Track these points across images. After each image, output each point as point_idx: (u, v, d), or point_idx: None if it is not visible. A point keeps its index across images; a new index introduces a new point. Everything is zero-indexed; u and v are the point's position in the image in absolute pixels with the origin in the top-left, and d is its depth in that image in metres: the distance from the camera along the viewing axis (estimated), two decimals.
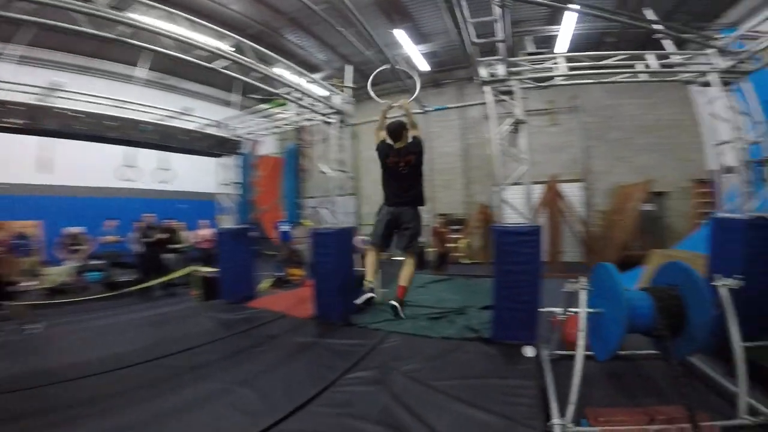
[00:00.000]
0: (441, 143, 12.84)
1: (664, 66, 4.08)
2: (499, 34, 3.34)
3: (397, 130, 4.32)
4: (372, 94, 5.74)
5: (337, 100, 5.62)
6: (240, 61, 4.12)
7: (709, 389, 2.98)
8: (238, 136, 6.86)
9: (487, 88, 4.14)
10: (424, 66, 11.40)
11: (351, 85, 6.56)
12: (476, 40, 3.48)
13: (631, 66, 4.15)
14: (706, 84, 3.94)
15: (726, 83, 3.82)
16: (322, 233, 5.18)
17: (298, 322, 5.23)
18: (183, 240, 8.90)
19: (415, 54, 10.68)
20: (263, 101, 8.40)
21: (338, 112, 5.53)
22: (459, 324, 4.62)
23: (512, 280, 3.90)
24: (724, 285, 2.85)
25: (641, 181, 9.11)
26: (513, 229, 3.94)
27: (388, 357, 3.79)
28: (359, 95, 14.06)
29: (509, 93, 4.15)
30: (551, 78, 4.19)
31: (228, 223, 6.79)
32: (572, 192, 10.74)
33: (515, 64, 4.15)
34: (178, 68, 11.55)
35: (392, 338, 4.37)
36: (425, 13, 9.57)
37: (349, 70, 6.53)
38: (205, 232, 9.18)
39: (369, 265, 4.69)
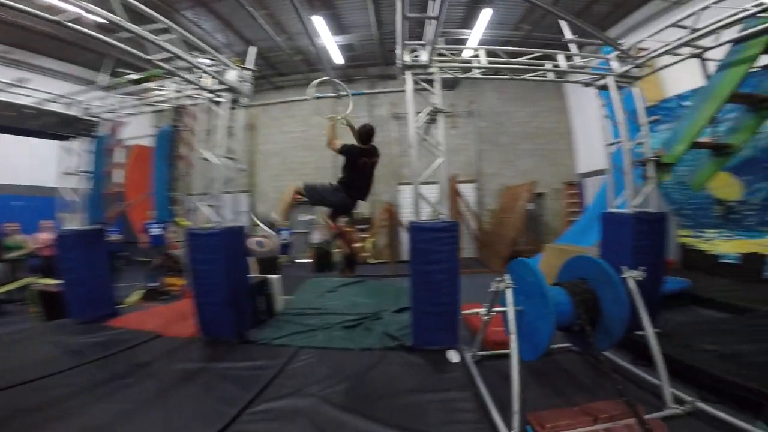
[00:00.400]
0: (346, 141, 12.32)
1: (570, 66, 4.25)
2: (434, 10, 3.02)
3: (370, 133, 4.45)
4: (313, 92, 5.13)
5: (232, 75, 4.72)
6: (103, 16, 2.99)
7: (625, 381, 3.06)
8: (93, 116, 5.39)
9: (408, 74, 3.82)
10: (338, 58, 10.81)
11: (252, 67, 5.59)
12: (409, 14, 3.11)
13: (541, 65, 4.25)
14: (603, 87, 4.26)
15: (619, 87, 4.17)
16: (202, 234, 4.21)
17: (178, 343, 4.22)
18: (18, 245, 7.15)
19: (330, 45, 9.93)
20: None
21: (231, 90, 4.63)
22: (377, 331, 4.24)
23: (430, 280, 3.67)
24: (631, 276, 3.00)
25: (526, 183, 10.03)
26: (430, 226, 3.71)
27: (302, 380, 3.19)
28: (261, 85, 12.77)
29: (429, 81, 3.91)
30: (470, 69, 4.07)
31: (74, 223, 5.27)
32: (467, 192, 11.45)
33: (440, 53, 3.93)
34: (29, 40, 8.99)
35: (304, 355, 3.76)
36: (347, 1, 9.03)
37: (252, 51, 5.61)
38: (47, 236, 7.16)
39: (284, 202, 4.60)
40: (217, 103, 4.64)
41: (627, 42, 4.23)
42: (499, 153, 11.91)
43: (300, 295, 5.99)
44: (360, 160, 4.27)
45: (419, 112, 3.92)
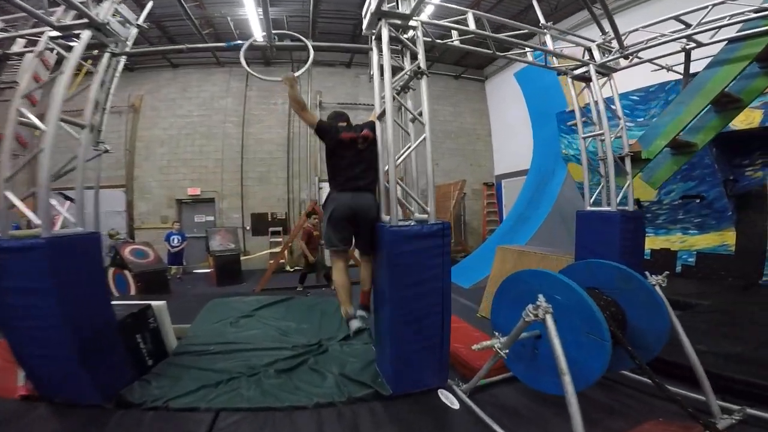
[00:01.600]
0: (260, 129, 10.67)
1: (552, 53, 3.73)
2: None
3: (343, 116, 3.31)
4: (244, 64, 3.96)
5: (103, 8, 3.07)
6: None
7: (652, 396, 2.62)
8: None
9: (383, 24, 2.82)
10: (258, 35, 9.00)
11: (142, 24, 3.82)
12: None
13: (522, 48, 3.67)
14: (582, 77, 3.83)
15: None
16: (13, 248, 2.49)
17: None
18: None
19: (252, 16, 8.08)
20: None
21: (97, 28, 3.02)
22: (330, 373, 3.08)
23: (414, 308, 2.66)
24: (658, 283, 2.51)
25: (455, 182, 9.78)
26: (415, 232, 2.64)
27: None
28: (152, 60, 10.15)
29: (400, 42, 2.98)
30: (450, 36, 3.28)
31: None
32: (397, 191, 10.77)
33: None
34: None
35: (227, 423, 2.46)
36: None
37: (149, 5, 3.92)
38: None
39: (342, 287, 3.06)
40: (68, 46, 2.99)
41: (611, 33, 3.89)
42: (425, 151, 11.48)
43: (202, 322, 4.40)
44: (341, 134, 3.03)
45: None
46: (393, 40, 2.88)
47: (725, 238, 5.75)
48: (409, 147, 2.88)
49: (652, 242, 6.86)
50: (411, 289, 2.62)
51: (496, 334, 2.37)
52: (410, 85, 3.01)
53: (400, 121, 3.08)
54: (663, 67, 4.61)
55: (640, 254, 3.73)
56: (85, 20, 2.92)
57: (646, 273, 2.57)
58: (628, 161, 3.71)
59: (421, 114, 2.85)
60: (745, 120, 4.49)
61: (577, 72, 3.82)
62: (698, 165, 5.59)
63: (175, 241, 9.01)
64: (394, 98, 2.79)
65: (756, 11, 2.93)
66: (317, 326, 4.22)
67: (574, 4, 7.71)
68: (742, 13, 2.98)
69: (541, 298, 2.10)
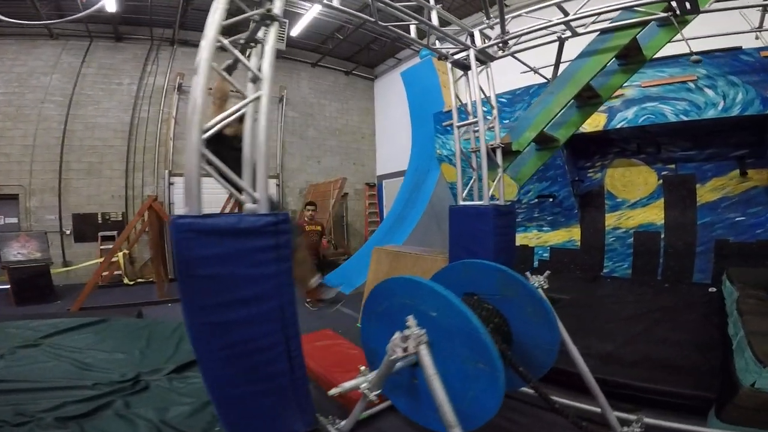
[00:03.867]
0: (94, 112, 8.46)
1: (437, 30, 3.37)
2: None
3: None
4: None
5: None
6: None
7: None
8: None
9: None
10: (110, 5, 6.98)
11: None
12: None
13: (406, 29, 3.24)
14: (462, 64, 3.59)
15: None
16: None
17: None
18: None
19: None
20: None
21: None
22: (145, 419, 2.20)
23: (236, 339, 1.77)
24: (540, 284, 2.26)
25: (335, 180, 9.22)
26: (220, 226, 1.72)
27: None
28: None
29: None
30: None
31: None
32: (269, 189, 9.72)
33: None
34: None
35: None
36: None
37: None
38: None
39: None
40: None
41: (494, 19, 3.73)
42: (305, 147, 10.72)
43: None
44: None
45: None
46: None
47: (572, 234, 6.38)
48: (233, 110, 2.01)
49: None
50: (225, 312, 1.74)
51: (362, 369, 1.80)
52: (258, 37, 2.21)
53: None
54: (531, 69, 4.77)
55: (512, 251, 3.64)
56: None
57: (527, 274, 2.31)
58: (499, 153, 3.60)
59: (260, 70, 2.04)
60: (592, 123, 4.92)
61: (458, 57, 3.58)
62: (551, 166, 6.07)
63: None
64: (221, 44, 1.93)
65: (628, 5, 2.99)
66: (138, 356, 3.13)
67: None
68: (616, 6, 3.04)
69: (411, 321, 1.57)
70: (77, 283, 7.16)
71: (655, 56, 3.59)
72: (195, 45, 9.02)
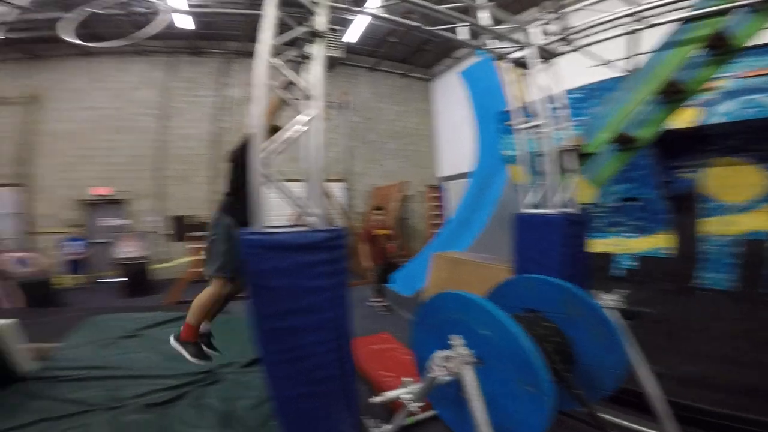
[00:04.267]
0: (182, 122, 9.54)
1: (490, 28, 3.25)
2: None
3: None
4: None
5: None
6: None
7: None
8: None
9: None
10: (187, 23, 8.07)
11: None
12: None
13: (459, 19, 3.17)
14: (522, 62, 3.41)
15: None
16: None
17: None
18: None
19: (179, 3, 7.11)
20: None
21: None
22: (213, 409, 2.47)
23: (293, 345, 1.91)
24: (613, 304, 2.07)
25: (396, 183, 9.30)
26: (290, 240, 1.87)
27: None
28: (59, 48, 8.72)
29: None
30: None
31: None
32: (337, 193, 10.12)
33: None
34: None
35: None
36: None
37: None
38: None
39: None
40: None
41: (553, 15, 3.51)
42: (367, 151, 10.97)
43: (74, 342, 3.59)
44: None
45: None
46: None
47: (661, 241, 5.71)
48: (293, 127, 2.13)
49: (590, 246, 6.78)
50: (285, 320, 1.89)
51: (404, 380, 1.81)
52: (309, 53, 2.32)
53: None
54: (603, 63, 4.39)
55: (582, 263, 3.34)
56: None
57: (598, 292, 2.14)
58: (572, 156, 3.35)
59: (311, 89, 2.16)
60: (686, 118, 4.35)
61: (515, 56, 3.41)
62: (637, 166, 5.48)
63: (75, 247, 7.72)
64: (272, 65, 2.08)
65: None
66: (220, 347, 3.45)
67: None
68: None
69: (456, 340, 1.56)
70: (172, 278, 8.12)
71: (755, 43, 3.08)
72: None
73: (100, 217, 9.07)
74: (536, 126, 3.37)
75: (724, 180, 5.12)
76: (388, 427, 2.19)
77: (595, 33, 3.33)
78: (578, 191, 3.46)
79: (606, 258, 6.43)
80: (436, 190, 11.42)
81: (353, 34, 8.71)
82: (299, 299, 1.87)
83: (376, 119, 11.10)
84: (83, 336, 3.75)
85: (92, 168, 8.95)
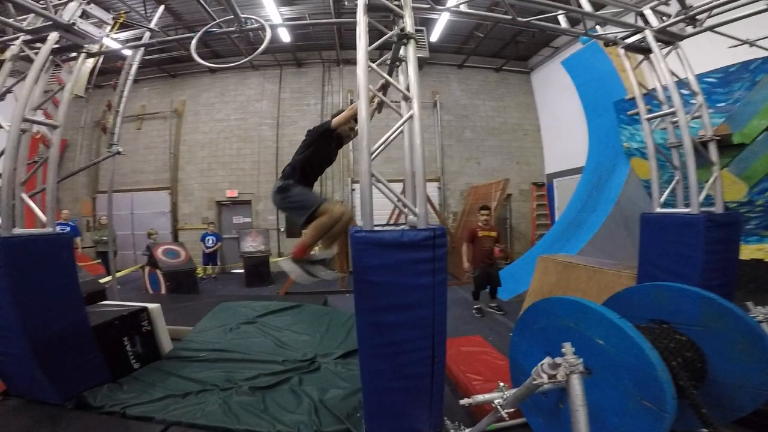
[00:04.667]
0: (294, 130, 10.58)
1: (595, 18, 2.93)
2: None
3: None
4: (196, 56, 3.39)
5: (68, 10, 2.87)
6: None
7: None
8: None
9: None
10: (285, 36, 9.07)
11: (154, 27, 3.86)
12: None
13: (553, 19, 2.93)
14: (639, 47, 2.99)
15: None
16: None
17: None
18: None
19: (275, 17, 8.07)
20: None
21: (64, 29, 2.81)
22: (309, 397, 2.63)
23: (394, 340, 1.99)
24: (765, 315, 1.71)
25: (496, 181, 8.88)
26: (392, 238, 1.92)
27: None
28: (192, 67, 10.45)
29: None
30: None
31: None
32: (429, 192, 10.12)
33: None
34: None
35: None
36: None
37: (160, 9, 3.86)
38: None
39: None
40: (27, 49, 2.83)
41: None
42: (463, 149, 10.70)
43: (204, 326, 4.15)
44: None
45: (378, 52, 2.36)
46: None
47: None
48: (392, 133, 2.23)
49: (740, 252, 5.60)
50: (385, 315, 1.96)
51: (500, 385, 1.72)
52: (401, 55, 2.39)
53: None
54: (744, 42, 3.62)
55: (732, 273, 2.78)
56: (50, 22, 2.76)
57: (748, 304, 1.77)
58: (713, 147, 2.80)
59: (408, 90, 2.21)
60: None
61: (630, 41, 2.98)
62: None
63: (210, 241, 9.10)
64: (371, 69, 2.17)
65: None
66: (318, 339, 3.75)
67: None
68: None
69: (567, 348, 1.43)
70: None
71: None
72: (355, 63, 9.97)
73: (230, 216, 10.57)
74: (666, 115, 2.90)
75: None
76: (468, 430, 2.11)
77: (726, 11, 2.74)
78: (723, 188, 2.88)
79: (761, 266, 5.25)
80: (542, 188, 10.62)
81: (434, 32, 8.61)
82: (400, 296, 1.94)
83: (472, 116, 10.75)
84: (211, 321, 4.28)
85: (223, 173, 10.45)
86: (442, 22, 8.24)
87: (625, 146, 6.29)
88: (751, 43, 3.66)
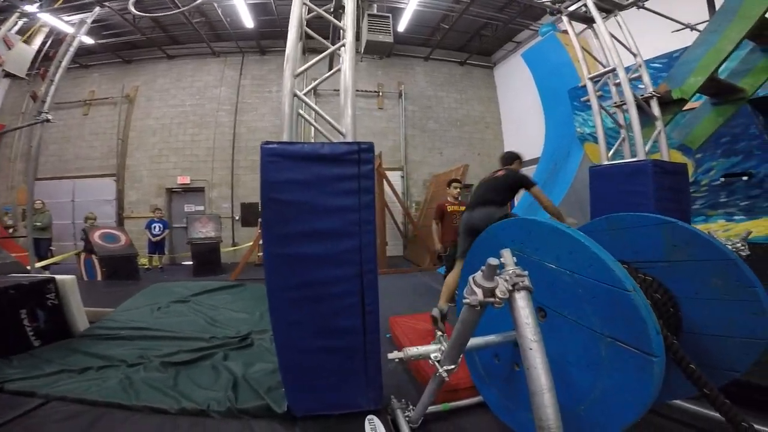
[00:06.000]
0: (253, 117, 10.16)
1: None
2: None
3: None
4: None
5: None
6: None
7: None
8: None
9: None
10: (248, 21, 8.61)
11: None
12: None
13: None
14: (582, 16, 2.95)
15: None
16: None
17: None
18: None
19: (240, 2, 7.71)
20: None
21: None
22: (230, 373, 2.31)
23: (306, 280, 1.67)
24: (739, 250, 1.56)
25: (455, 168, 8.86)
26: (301, 151, 1.68)
27: None
28: (149, 53, 9.72)
29: None
30: None
31: None
32: (392, 181, 9.96)
33: None
34: None
35: (49, 412, 1.85)
36: None
37: None
38: None
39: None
40: None
41: None
42: (427, 140, 10.66)
43: (129, 305, 3.73)
44: None
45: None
46: None
47: None
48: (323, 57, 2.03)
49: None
50: (299, 245, 1.61)
51: (438, 335, 1.45)
52: None
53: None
54: (686, 26, 3.73)
55: (685, 220, 2.74)
56: None
57: (710, 231, 1.59)
58: (654, 104, 2.77)
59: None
60: None
61: (573, 8, 2.94)
62: (743, 136, 4.54)
63: (157, 228, 8.45)
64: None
65: None
66: (258, 318, 3.42)
67: None
68: None
69: (506, 255, 1.14)
70: (238, 261, 8.54)
71: None
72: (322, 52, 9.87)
73: (181, 203, 9.91)
74: (608, 73, 2.85)
75: None
76: (414, 411, 1.80)
77: None
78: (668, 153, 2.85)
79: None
80: None
81: (401, 22, 8.59)
82: (318, 219, 1.62)
83: (435, 107, 10.78)
84: (138, 301, 3.90)
85: (176, 159, 9.82)
86: (409, 11, 8.17)
87: (579, 132, 6.39)
88: (692, 27, 3.76)
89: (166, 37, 9.74)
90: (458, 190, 5.33)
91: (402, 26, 8.72)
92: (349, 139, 1.77)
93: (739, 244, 1.54)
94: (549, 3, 3.13)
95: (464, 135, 10.86)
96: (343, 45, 1.98)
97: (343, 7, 2.21)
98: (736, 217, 5.17)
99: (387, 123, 10.45)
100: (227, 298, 3.92)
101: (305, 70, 1.94)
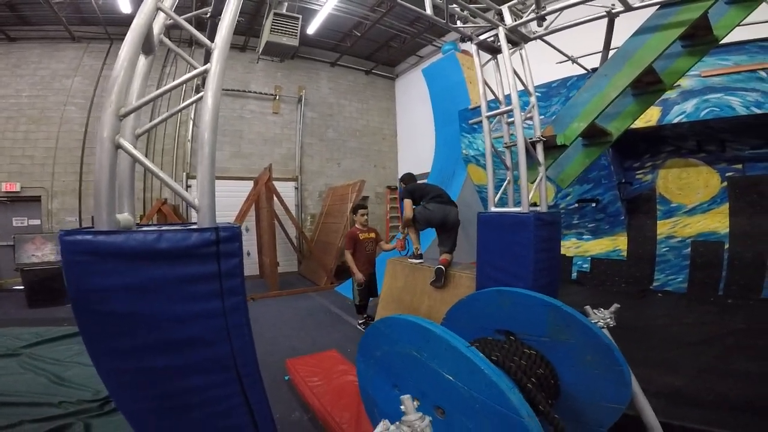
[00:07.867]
0: None
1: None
2: None
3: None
4: None
5: None
6: None
7: None
8: None
9: None
10: (124, 5, 7.13)
11: None
12: None
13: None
14: (490, 46, 3.06)
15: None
16: None
17: None
18: None
19: None
20: None
21: None
22: None
23: (177, 388, 1.32)
24: (605, 321, 1.71)
25: (353, 182, 8.80)
26: (127, 245, 1.19)
27: None
28: None
29: None
30: None
31: None
32: (285, 192, 9.42)
33: None
34: None
35: None
36: None
37: None
38: None
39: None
40: None
41: None
42: (324, 149, 10.37)
43: None
44: None
45: None
46: None
47: (618, 243, 5.66)
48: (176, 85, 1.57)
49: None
50: (151, 357, 1.25)
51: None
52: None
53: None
54: (569, 58, 4.23)
55: (557, 270, 3.04)
56: None
57: (587, 308, 1.77)
58: (540, 148, 3.03)
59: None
60: (643, 117, 4.25)
61: (484, 36, 3.05)
62: (595, 166, 5.38)
63: None
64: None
65: None
66: None
67: None
68: None
69: (406, 403, 1.06)
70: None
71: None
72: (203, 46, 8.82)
73: (8, 216, 7.78)
74: (505, 112, 3.01)
75: (680, 181, 5.14)
76: None
77: (570, 22, 3.05)
78: (536, 192, 3.13)
79: (565, 261, 6.33)
80: (395, 191, 11.05)
81: (312, 25, 8.17)
82: (167, 331, 1.24)
83: (336, 116, 10.56)
84: None
85: (2, 161, 7.67)
86: (323, 14, 7.75)
87: (464, 153, 6.85)
88: (573, 60, 4.22)
89: (13, 17, 7.53)
90: (365, 217, 5.27)
91: (312, 29, 8.26)
92: (206, 220, 1.33)
93: (608, 319, 1.72)
94: (462, 28, 3.15)
95: (363, 146, 10.87)
96: (206, 73, 1.52)
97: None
98: (584, 237, 6.16)
99: (282, 129, 9.83)
100: (75, 349, 3.11)
101: (134, 110, 1.45)
